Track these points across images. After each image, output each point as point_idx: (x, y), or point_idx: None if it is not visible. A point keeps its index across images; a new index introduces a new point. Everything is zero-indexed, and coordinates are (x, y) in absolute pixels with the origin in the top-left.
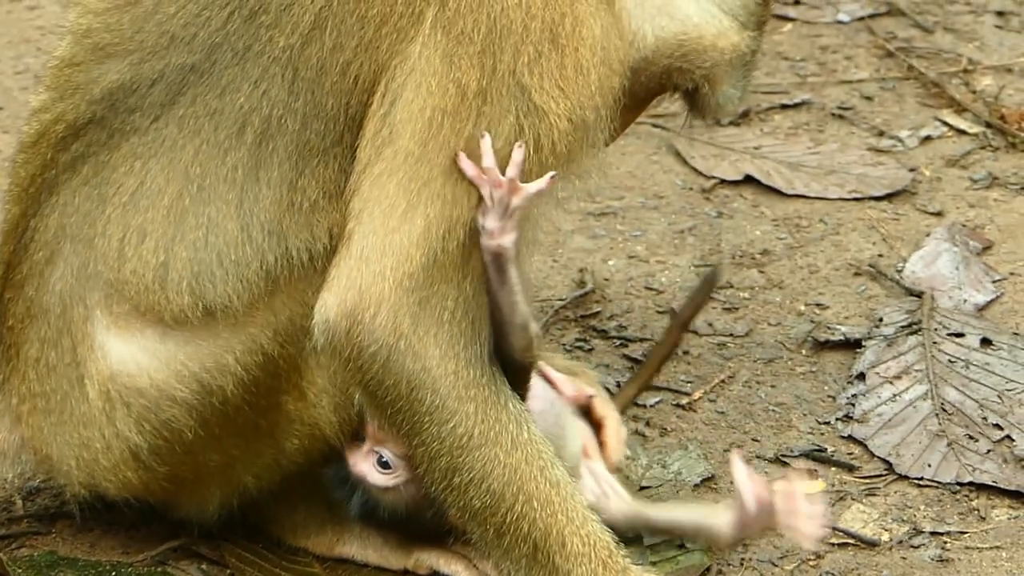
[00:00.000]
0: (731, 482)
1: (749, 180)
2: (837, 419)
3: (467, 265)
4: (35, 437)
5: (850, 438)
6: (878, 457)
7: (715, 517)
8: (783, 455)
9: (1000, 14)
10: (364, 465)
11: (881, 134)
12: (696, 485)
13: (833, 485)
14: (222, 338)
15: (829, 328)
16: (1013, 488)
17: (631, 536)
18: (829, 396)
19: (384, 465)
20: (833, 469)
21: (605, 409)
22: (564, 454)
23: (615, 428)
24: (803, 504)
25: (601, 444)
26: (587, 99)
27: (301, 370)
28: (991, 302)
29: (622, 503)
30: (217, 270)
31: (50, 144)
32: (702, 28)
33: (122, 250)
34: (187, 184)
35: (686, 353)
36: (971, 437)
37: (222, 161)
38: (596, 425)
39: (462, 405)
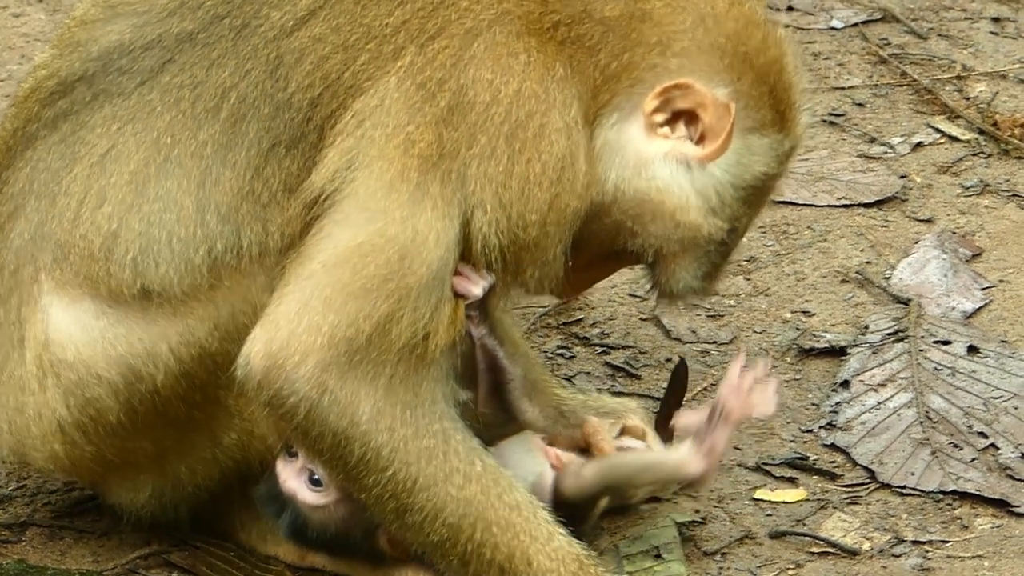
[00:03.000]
0: (711, 490)
1: None
2: (820, 427)
3: (421, 357)
4: None
5: (833, 446)
6: (861, 465)
7: (676, 450)
8: (765, 463)
9: (996, 20)
10: (295, 482)
11: (872, 141)
12: (675, 492)
13: (815, 493)
14: (157, 325)
15: (814, 336)
16: (997, 497)
17: (605, 547)
18: (813, 404)
19: (316, 483)
20: (815, 477)
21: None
22: None
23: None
24: (748, 386)
25: None
26: (530, 214)
27: None
28: (979, 309)
29: (591, 465)
30: (164, 249)
31: (39, 99)
32: (665, 194)
33: (79, 212)
34: (155, 153)
35: (668, 360)
36: (955, 445)
37: (194, 135)
38: None
39: (398, 455)
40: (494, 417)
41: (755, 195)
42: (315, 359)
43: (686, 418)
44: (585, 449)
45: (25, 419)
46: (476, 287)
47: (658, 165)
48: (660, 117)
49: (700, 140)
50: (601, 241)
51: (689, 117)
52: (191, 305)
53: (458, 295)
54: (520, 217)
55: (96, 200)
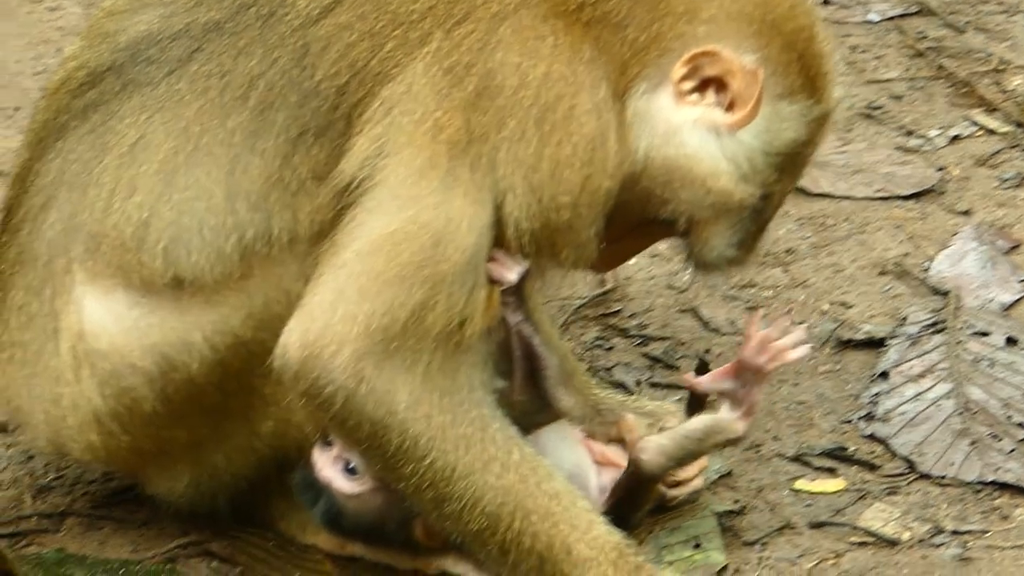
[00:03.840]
0: (751, 480)
1: None
2: (859, 418)
3: (458, 344)
4: (9, 387)
5: (872, 437)
6: (900, 456)
7: (720, 414)
8: (804, 454)
9: None
10: (331, 470)
11: (910, 133)
12: (713, 482)
13: (854, 484)
14: (190, 314)
15: (853, 327)
16: None
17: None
18: (851, 395)
19: (352, 471)
20: (854, 468)
21: None
22: None
23: None
24: (775, 339)
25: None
26: (562, 196)
27: None
28: (1017, 301)
29: (664, 439)
30: (195, 237)
31: (69, 90)
32: (694, 160)
33: (110, 202)
34: (184, 142)
35: (707, 351)
36: (995, 436)
37: (222, 123)
38: None
39: (436, 443)
40: (530, 405)
41: (787, 162)
42: (351, 348)
43: (712, 378)
44: (621, 444)
45: (61, 410)
46: (511, 272)
47: (687, 132)
48: (688, 85)
49: (729, 107)
50: (632, 210)
51: (718, 84)
52: (224, 294)
53: (493, 281)
54: (552, 200)
55: (127, 190)
